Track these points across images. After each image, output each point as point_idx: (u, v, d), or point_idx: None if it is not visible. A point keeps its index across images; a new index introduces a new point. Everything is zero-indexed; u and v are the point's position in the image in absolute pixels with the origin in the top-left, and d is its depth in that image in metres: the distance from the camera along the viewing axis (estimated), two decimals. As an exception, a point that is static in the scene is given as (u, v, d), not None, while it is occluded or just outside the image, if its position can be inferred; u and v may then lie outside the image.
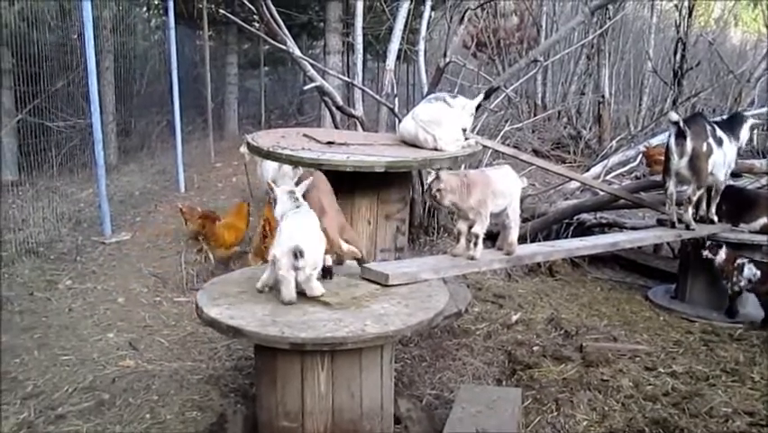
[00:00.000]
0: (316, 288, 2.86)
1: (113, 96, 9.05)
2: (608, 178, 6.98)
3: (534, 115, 11.23)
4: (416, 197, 5.69)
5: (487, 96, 5.74)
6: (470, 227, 3.36)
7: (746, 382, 3.77)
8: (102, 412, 3.32)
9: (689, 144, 4.55)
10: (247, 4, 5.82)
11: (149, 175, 8.75)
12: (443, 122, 3.92)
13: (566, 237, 5.88)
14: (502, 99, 7.34)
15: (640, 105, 12.04)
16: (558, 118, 12.16)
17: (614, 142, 9.16)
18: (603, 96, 11.12)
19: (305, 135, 4.31)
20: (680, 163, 4.62)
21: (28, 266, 5.22)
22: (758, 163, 5.94)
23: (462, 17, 6.16)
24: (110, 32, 8.71)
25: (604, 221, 6.50)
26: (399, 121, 5.07)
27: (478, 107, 4.34)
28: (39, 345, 4.03)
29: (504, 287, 5.35)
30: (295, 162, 4.01)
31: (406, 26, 6.37)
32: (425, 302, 2.90)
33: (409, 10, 6.30)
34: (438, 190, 3.23)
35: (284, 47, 5.41)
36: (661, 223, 5.08)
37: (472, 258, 3.43)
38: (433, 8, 7.23)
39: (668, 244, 6.20)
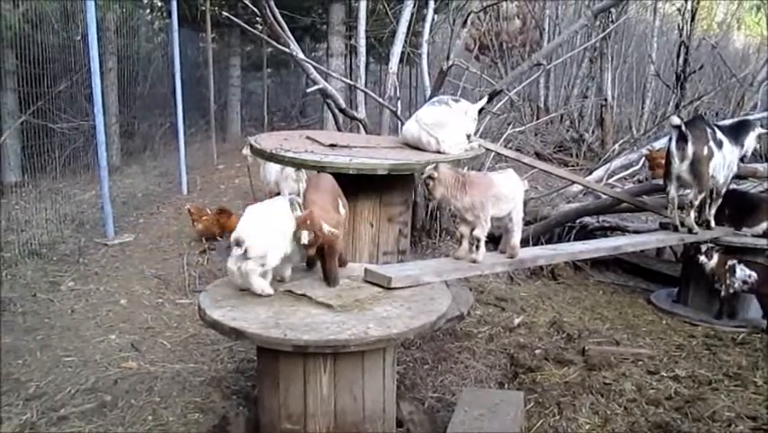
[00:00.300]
0: (257, 285, 2.82)
1: (116, 97, 9.08)
2: (610, 181, 6.98)
3: (537, 119, 11.24)
4: (418, 199, 5.69)
5: (489, 100, 5.74)
6: (473, 230, 3.37)
7: (749, 386, 3.76)
8: (104, 414, 3.32)
9: (690, 148, 4.55)
10: (250, 6, 5.84)
11: (151, 177, 8.77)
12: (447, 125, 3.92)
13: (568, 240, 5.87)
14: (505, 102, 7.35)
15: (642, 108, 12.03)
16: (560, 121, 12.16)
17: (616, 145, 9.17)
18: (606, 100, 11.12)
19: (307, 138, 4.31)
20: (681, 167, 4.61)
21: (31, 267, 5.23)
22: (761, 167, 5.92)
23: (465, 20, 6.18)
24: (113, 34, 8.74)
25: (606, 224, 6.49)
26: (402, 124, 5.07)
27: (481, 111, 4.35)
28: (41, 346, 4.04)
29: (506, 290, 5.34)
30: (298, 165, 4.01)
31: (409, 29, 6.38)
32: (427, 305, 2.90)
33: (412, 13, 6.31)
34: (431, 179, 3.24)
35: (287, 49, 5.42)
36: (663, 226, 5.08)
37: (475, 261, 3.43)
38: (436, 11, 7.24)
39: (670, 247, 6.19)
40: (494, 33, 11.60)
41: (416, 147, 4.05)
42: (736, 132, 4.94)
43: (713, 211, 4.97)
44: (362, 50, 6.58)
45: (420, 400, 3.55)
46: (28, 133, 6.71)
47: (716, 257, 4.81)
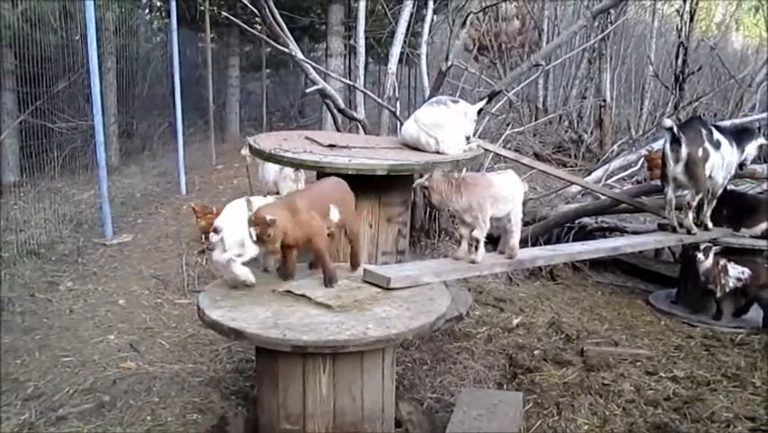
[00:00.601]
0: (240, 272, 2.94)
1: (114, 97, 9.08)
2: (609, 182, 6.98)
3: (536, 119, 11.25)
4: (417, 200, 5.70)
5: (488, 100, 5.74)
6: (472, 231, 3.37)
7: (748, 387, 3.76)
8: (102, 414, 3.32)
9: (683, 150, 4.56)
10: (249, 6, 5.84)
11: (150, 177, 8.76)
12: (446, 125, 3.92)
13: (567, 241, 5.88)
14: (504, 103, 7.35)
15: (641, 109, 12.05)
16: (559, 122, 12.17)
17: (615, 146, 9.17)
18: (604, 101, 11.13)
19: (306, 138, 4.31)
20: (676, 169, 4.62)
21: (29, 267, 5.22)
22: (759, 168, 5.93)
23: (464, 21, 6.18)
24: (112, 34, 8.74)
25: (605, 225, 6.50)
26: (401, 124, 5.07)
27: (480, 111, 4.35)
28: (40, 346, 4.03)
29: (505, 290, 5.34)
30: (297, 165, 4.01)
31: (408, 30, 6.39)
32: (426, 305, 2.90)
33: (411, 13, 6.31)
34: (425, 188, 3.29)
35: (286, 49, 5.42)
36: (662, 227, 5.08)
37: (474, 262, 3.43)
38: (435, 12, 7.25)
39: (669, 248, 6.20)
40: (493, 34, 11.61)
41: (414, 147, 4.05)
42: (739, 136, 4.94)
43: (708, 213, 4.96)
44: (361, 50, 6.58)
45: (419, 401, 3.55)
46: (27, 132, 6.72)
47: (711, 257, 4.82)
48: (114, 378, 3.67)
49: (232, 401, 3.49)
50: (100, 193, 6.10)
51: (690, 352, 4.32)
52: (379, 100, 5.99)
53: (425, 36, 6.53)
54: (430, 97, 5.40)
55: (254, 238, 2.84)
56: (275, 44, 5.52)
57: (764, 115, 8.94)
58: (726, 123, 7.13)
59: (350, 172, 3.52)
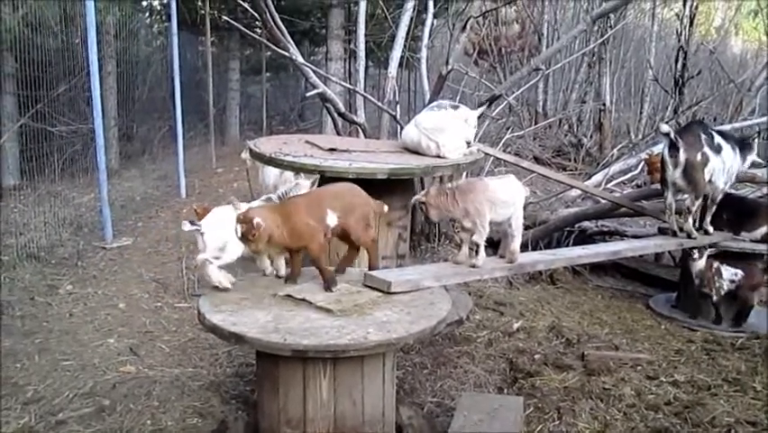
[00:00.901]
0: (214, 277, 2.98)
1: (115, 101, 9.08)
2: (609, 186, 6.99)
3: (536, 123, 11.26)
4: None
5: (489, 104, 5.75)
6: (472, 235, 3.37)
7: (748, 391, 3.76)
8: (102, 418, 3.31)
9: (681, 155, 4.55)
10: (250, 10, 5.85)
11: (150, 180, 8.76)
12: (446, 129, 3.93)
13: (567, 245, 5.88)
14: (503, 107, 7.36)
15: (641, 113, 12.06)
16: (559, 126, 12.18)
17: (615, 150, 9.17)
18: (604, 105, 11.14)
19: (307, 142, 4.32)
20: (674, 174, 4.61)
21: (29, 271, 5.22)
22: (759, 173, 5.93)
23: (464, 25, 6.19)
24: (113, 38, 8.75)
25: (605, 229, 6.50)
26: (401, 128, 5.08)
27: (480, 116, 4.35)
28: (39, 350, 4.03)
29: (505, 294, 5.34)
30: (297, 169, 4.02)
31: (408, 34, 6.39)
32: (427, 310, 2.90)
33: (412, 18, 6.32)
34: (422, 204, 3.30)
35: (286, 53, 5.43)
36: (662, 231, 5.08)
37: (474, 266, 3.43)
38: (435, 16, 7.26)
39: (669, 252, 6.19)
40: (493, 38, 11.63)
41: (415, 151, 4.06)
42: (741, 145, 4.93)
43: (708, 218, 4.95)
44: (362, 54, 6.59)
45: (419, 405, 3.55)
46: (27, 136, 6.71)
47: (704, 258, 4.83)
48: (113, 382, 3.66)
49: (232, 406, 3.48)
50: (100, 196, 6.10)
51: (691, 356, 4.32)
52: (380, 104, 5.99)
53: (426, 40, 6.54)
54: (430, 101, 5.41)
55: (239, 235, 2.88)
56: (275, 48, 5.53)
57: (765, 119, 8.97)
58: (726, 127, 7.14)
59: (350, 176, 3.52)
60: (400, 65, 6.53)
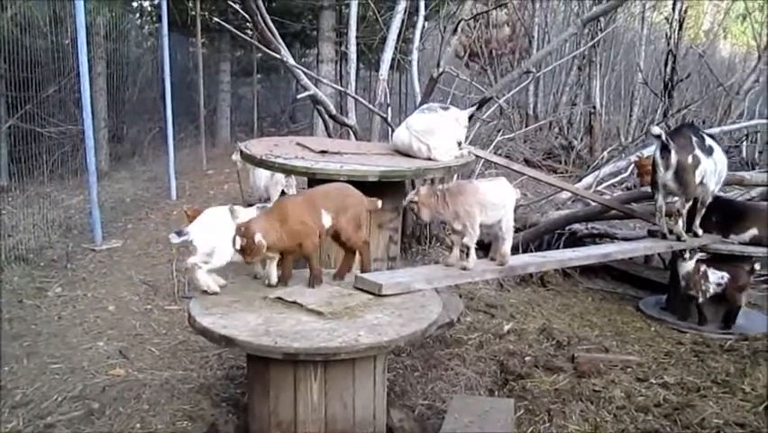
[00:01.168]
0: (202, 281, 2.96)
1: (105, 102, 9.03)
2: (599, 188, 7.01)
3: (526, 126, 11.29)
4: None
5: (479, 107, 5.76)
6: (463, 238, 3.37)
7: (737, 393, 3.77)
8: (92, 421, 3.29)
9: (673, 157, 4.57)
10: (241, 11, 5.84)
11: (140, 182, 8.72)
12: (437, 132, 3.93)
13: (558, 247, 5.89)
14: (494, 110, 7.37)
15: (631, 116, 12.14)
16: (549, 128, 12.23)
17: (605, 152, 9.21)
18: (594, 107, 11.20)
19: (298, 144, 4.31)
20: (666, 176, 4.63)
21: (17, 273, 5.18)
22: (747, 175, 5.98)
23: (456, 27, 6.20)
24: (103, 38, 8.70)
25: (595, 231, 6.52)
26: (392, 130, 5.08)
27: (470, 118, 4.36)
28: (28, 353, 3.99)
29: (496, 297, 5.35)
30: (288, 171, 4.01)
31: (399, 36, 6.40)
32: (418, 312, 2.90)
33: (403, 20, 6.33)
34: (414, 204, 3.30)
35: (277, 55, 5.42)
36: (652, 234, 5.11)
37: (465, 268, 3.44)
38: (426, 18, 7.27)
39: (659, 255, 6.22)
40: (484, 41, 11.67)
41: (406, 154, 4.06)
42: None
43: (697, 221, 4.98)
44: (353, 56, 6.59)
45: (410, 408, 3.54)
46: (16, 137, 6.66)
47: (694, 260, 4.86)
48: (103, 385, 3.64)
49: (222, 409, 3.47)
50: (90, 198, 6.06)
51: (680, 358, 4.33)
52: (371, 106, 5.99)
53: (417, 42, 6.55)
54: (421, 104, 5.42)
55: (237, 247, 2.87)
56: (266, 50, 5.52)
57: (765, 121, 9.01)
58: (715, 130, 7.19)
59: (341, 179, 3.52)
60: (391, 67, 6.53)
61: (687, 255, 4.87)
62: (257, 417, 2.84)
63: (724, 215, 5.15)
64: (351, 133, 5.86)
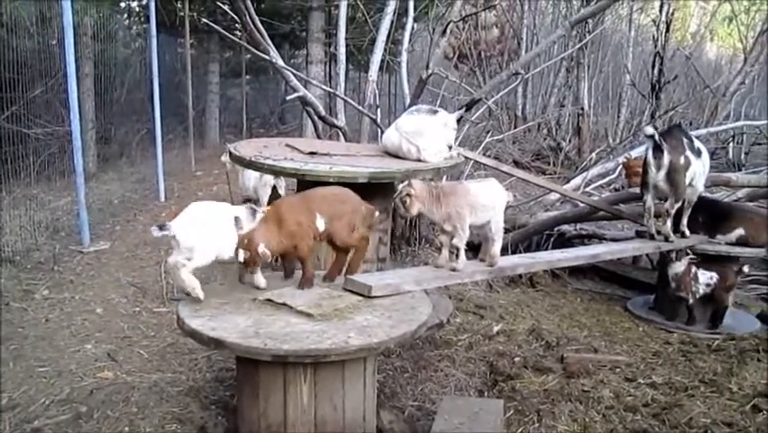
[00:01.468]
0: (187, 281, 2.87)
1: (92, 103, 8.96)
2: (587, 189, 7.05)
3: (515, 127, 11.34)
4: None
5: (468, 108, 5.78)
6: (452, 239, 3.38)
7: (725, 392, 3.80)
8: (79, 425, 3.26)
9: (666, 158, 4.60)
10: (229, 12, 5.82)
11: (128, 183, 8.66)
12: (427, 133, 3.94)
13: (546, 248, 5.91)
14: (483, 111, 7.40)
15: (618, 117, 12.22)
16: (538, 130, 12.29)
17: (593, 153, 9.27)
18: (582, 109, 11.26)
19: (287, 145, 4.30)
20: (657, 176, 4.66)
21: (4, 275, 5.13)
22: (734, 177, 6.02)
23: (445, 29, 6.21)
24: (90, 39, 8.64)
25: (584, 232, 6.55)
26: (382, 132, 5.08)
27: (459, 119, 4.37)
28: (14, 356, 3.96)
29: (485, 298, 5.36)
30: (277, 172, 4.00)
31: (388, 37, 6.41)
32: (408, 314, 2.90)
33: (392, 21, 6.34)
34: (408, 196, 3.26)
35: (266, 56, 5.41)
36: (640, 235, 5.14)
37: (455, 269, 3.44)
38: (415, 20, 7.28)
39: (647, 255, 6.26)
40: (473, 42, 11.70)
41: (395, 155, 4.07)
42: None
43: (684, 221, 5.01)
44: (342, 57, 6.59)
45: (400, 409, 3.54)
46: (2, 138, 6.60)
47: (685, 261, 4.90)
48: (91, 388, 3.61)
49: (211, 411, 3.45)
50: (77, 200, 6.02)
51: (668, 358, 4.36)
52: (360, 107, 5.99)
53: (406, 44, 6.56)
54: (410, 105, 5.43)
55: (241, 261, 2.89)
56: (255, 51, 5.51)
57: (739, 123, 9.10)
58: (702, 131, 7.25)
59: (331, 180, 3.52)
60: (381, 69, 6.54)
61: (675, 256, 4.91)
62: (246, 419, 2.83)
63: (710, 215, 5.19)
64: (340, 134, 5.86)
